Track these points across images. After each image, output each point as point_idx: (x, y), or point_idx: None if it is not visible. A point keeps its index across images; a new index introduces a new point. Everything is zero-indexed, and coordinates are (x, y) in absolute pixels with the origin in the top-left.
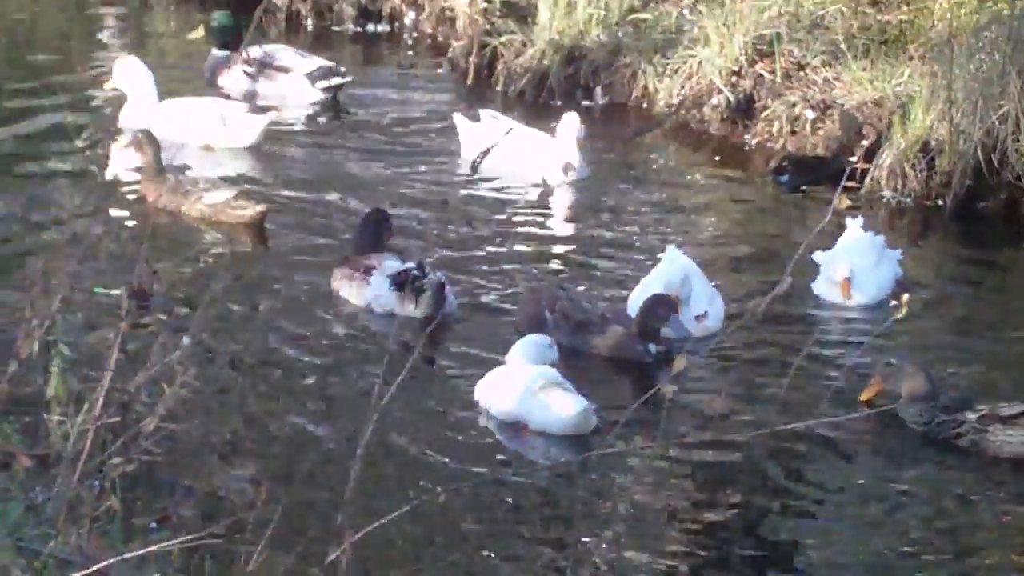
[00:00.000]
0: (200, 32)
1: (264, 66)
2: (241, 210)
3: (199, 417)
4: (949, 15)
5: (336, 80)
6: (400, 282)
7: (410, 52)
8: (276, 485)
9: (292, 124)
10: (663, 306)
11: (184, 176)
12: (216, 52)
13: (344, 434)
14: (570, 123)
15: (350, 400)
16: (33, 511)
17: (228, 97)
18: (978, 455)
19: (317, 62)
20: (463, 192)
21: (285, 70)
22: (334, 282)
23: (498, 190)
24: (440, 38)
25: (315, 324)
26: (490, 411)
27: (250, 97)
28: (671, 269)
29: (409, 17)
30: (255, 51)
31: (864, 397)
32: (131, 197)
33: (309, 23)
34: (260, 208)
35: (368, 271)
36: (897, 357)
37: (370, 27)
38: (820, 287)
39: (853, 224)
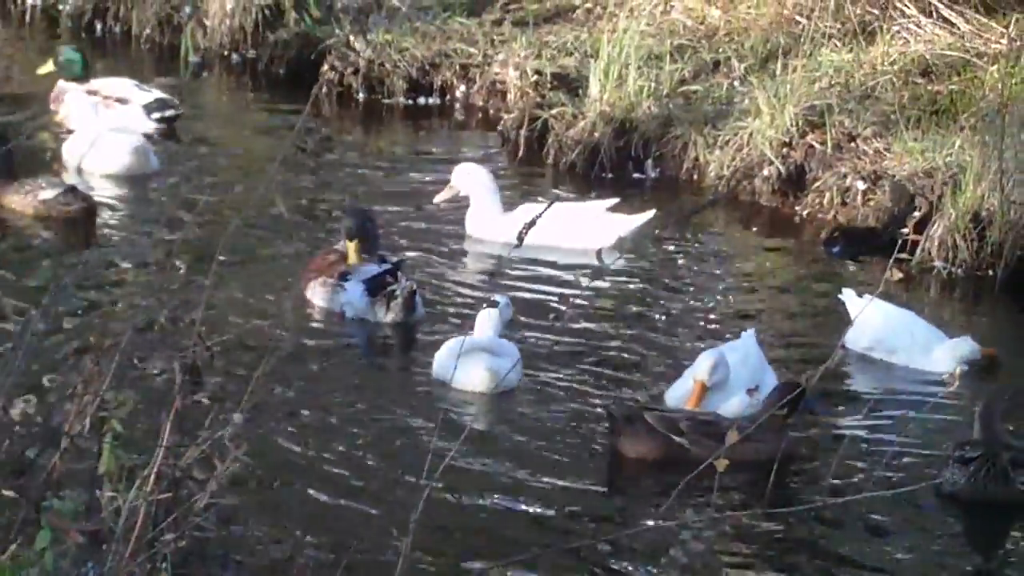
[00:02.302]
0: (50, 67)
1: (104, 97)
2: (68, 206)
3: (250, 492)
4: (1000, 85)
5: (170, 112)
6: (373, 288)
7: (460, 125)
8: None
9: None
10: (788, 393)
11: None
12: (61, 84)
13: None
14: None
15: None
16: None
17: (67, 127)
18: None
19: (155, 94)
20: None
21: (124, 101)
22: (307, 288)
23: (543, 264)
24: (491, 111)
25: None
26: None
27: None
28: (701, 357)
29: (460, 90)
30: (96, 83)
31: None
32: None
33: (360, 96)
34: (85, 205)
35: (344, 276)
36: None
37: (421, 100)
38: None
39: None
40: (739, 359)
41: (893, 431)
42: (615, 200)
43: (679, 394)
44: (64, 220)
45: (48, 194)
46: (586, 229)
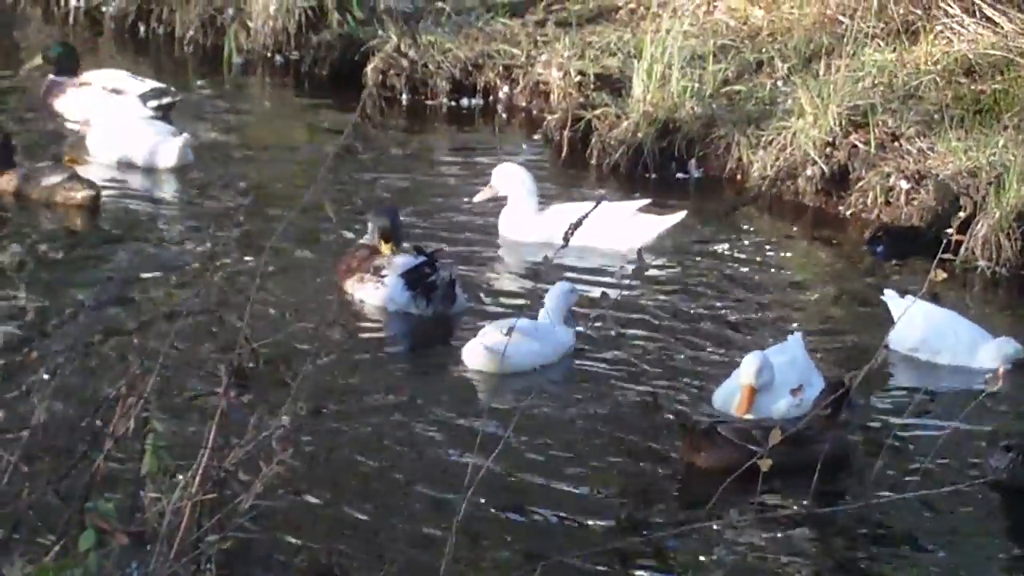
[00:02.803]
0: (37, 61)
1: (100, 88)
2: (73, 192)
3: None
4: None
5: (167, 99)
6: (412, 281)
7: (504, 126)
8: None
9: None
10: (833, 392)
11: (32, 164)
12: (53, 77)
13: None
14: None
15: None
16: None
17: (63, 119)
18: None
19: (149, 84)
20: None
21: (118, 92)
22: (346, 285)
23: (588, 265)
24: (534, 112)
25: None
26: None
27: (85, 118)
28: (747, 359)
29: (503, 91)
30: (89, 75)
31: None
32: None
33: (403, 98)
34: (91, 192)
35: (378, 271)
36: None
37: (464, 101)
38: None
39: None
40: (786, 361)
41: (938, 430)
42: (646, 201)
43: (726, 396)
44: (70, 207)
45: (52, 180)
46: (618, 230)
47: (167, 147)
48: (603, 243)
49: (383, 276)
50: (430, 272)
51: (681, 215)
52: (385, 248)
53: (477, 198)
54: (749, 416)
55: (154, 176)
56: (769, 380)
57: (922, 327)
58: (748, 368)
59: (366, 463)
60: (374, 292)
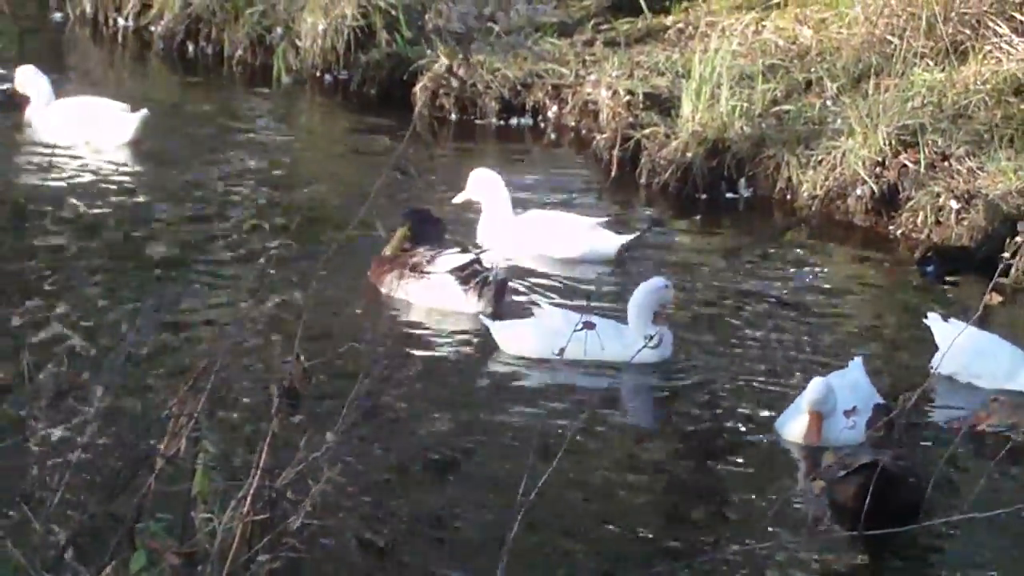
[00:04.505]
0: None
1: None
2: None
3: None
4: None
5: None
6: (465, 277)
7: (553, 146)
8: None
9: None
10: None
11: None
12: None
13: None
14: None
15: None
16: None
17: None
18: None
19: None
20: (606, 288)
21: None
22: (385, 286)
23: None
24: (583, 131)
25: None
26: None
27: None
28: (811, 386)
29: (552, 111)
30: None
31: (979, 427)
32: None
33: (452, 118)
34: None
35: (417, 268)
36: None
37: (513, 121)
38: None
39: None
40: (848, 386)
41: (982, 454)
42: (606, 217)
43: (792, 423)
44: None
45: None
46: (574, 242)
47: (124, 122)
48: (559, 254)
49: (428, 273)
50: (482, 269)
51: (637, 234)
52: (397, 236)
53: (456, 199)
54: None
55: (201, 190)
56: (833, 406)
57: (962, 350)
58: (813, 395)
59: (416, 480)
60: (421, 291)
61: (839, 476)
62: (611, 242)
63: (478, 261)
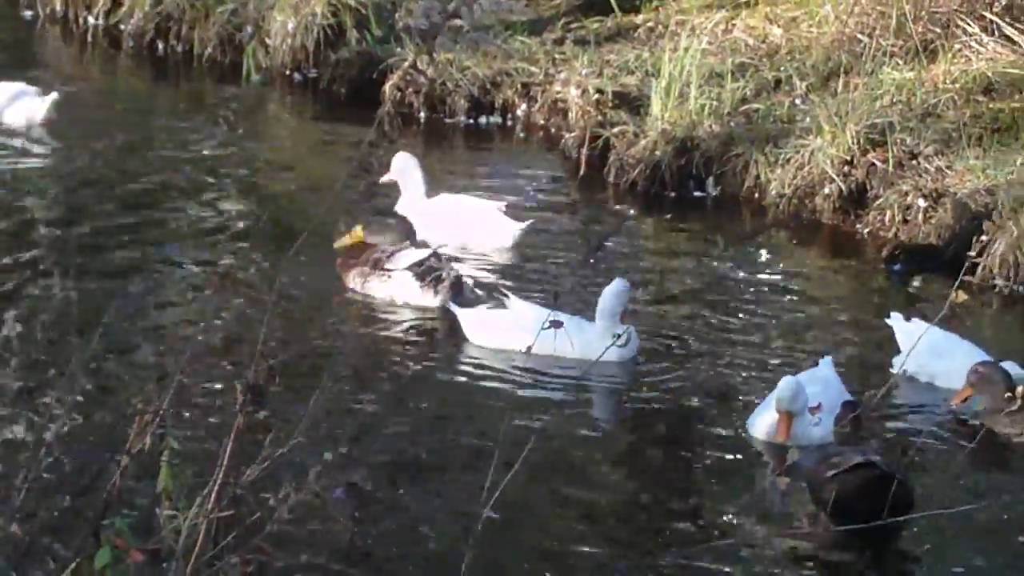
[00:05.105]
0: None
1: None
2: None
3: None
4: None
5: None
6: (421, 273)
7: (522, 144)
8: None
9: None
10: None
11: None
12: None
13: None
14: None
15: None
16: None
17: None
18: None
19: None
20: (571, 283)
21: None
22: (350, 281)
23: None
24: (552, 130)
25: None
26: None
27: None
28: (781, 384)
29: (521, 109)
30: None
31: (955, 401)
32: None
33: (421, 116)
34: None
35: (378, 265)
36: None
37: (482, 120)
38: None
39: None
40: (820, 387)
41: (945, 454)
42: (506, 202)
43: (761, 421)
44: None
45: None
46: (477, 227)
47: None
48: (462, 237)
49: (388, 270)
50: (437, 265)
51: (531, 221)
52: (357, 230)
53: (382, 179)
54: (789, 442)
55: (166, 188)
56: (804, 404)
57: (921, 350)
58: (784, 394)
59: (386, 481)
60: (380, 286)
61: (830, 475)
62: (509, 227)
63: (436, 256)
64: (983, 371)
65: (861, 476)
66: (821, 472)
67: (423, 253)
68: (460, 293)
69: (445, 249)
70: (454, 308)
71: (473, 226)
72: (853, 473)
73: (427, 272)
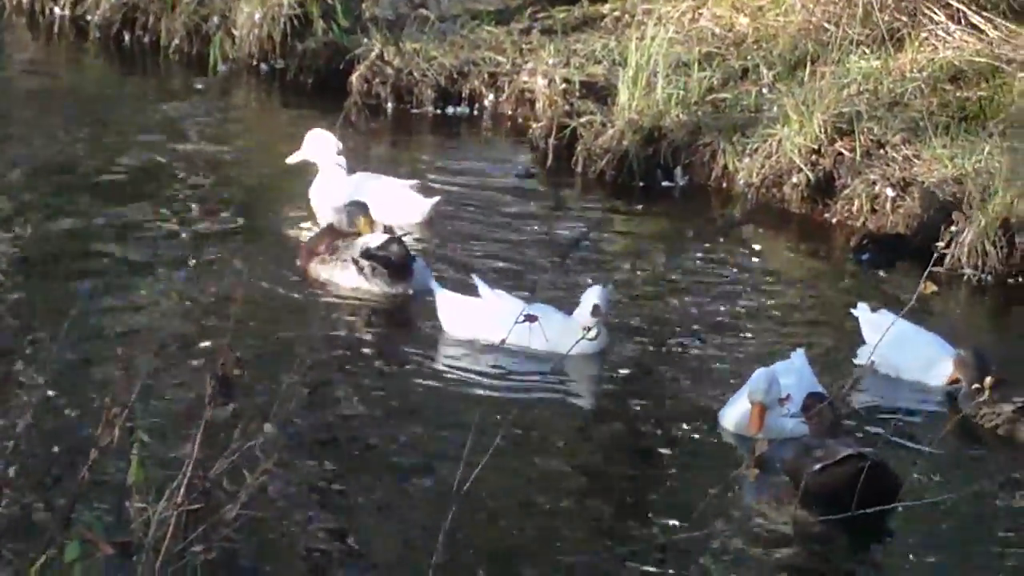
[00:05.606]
0: None
1: None
2: None
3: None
4: None
5: None
6: (368, 258)
7: (489, 134)
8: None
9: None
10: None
11: None
12: None
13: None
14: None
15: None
16: None
17: None
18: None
19: None
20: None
21: None
22: (310, 268)
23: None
24: (520, 120)
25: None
26: None
27: None
28: (755, 376)
29: (488, 99)
30: None
31: (945, 383)
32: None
33: (389, 106)
34: None
35: (335, 251)
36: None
37: (450, 110)
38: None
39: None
40: (793, 380)
41: (919, 444)
42: (415, 181)
43: (733, 412)
44: None
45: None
46: (387, 204)
47: None
48: (376, 215)
49: (341, 258)
50: (383, 249)
51: (439, 198)
52: (364, 223)
53: (290, 159)
54: (761, 434)
55: (135, 178)
56: (777, 396)
57: (884, 342)
58: (758, 385)
59: (353, 470)
60: (341, 274)
61: (818, 468)
62: (420, 204)
63: (393, 242)
64: (963, 356)
65: (852, 467)
66: (805, 464)
67: (378, 239)
68: (407, 277)
69: (406, 234)
70: (436, 289)
71: (384, 203)
72: (842, 465)
73: (368, 257)
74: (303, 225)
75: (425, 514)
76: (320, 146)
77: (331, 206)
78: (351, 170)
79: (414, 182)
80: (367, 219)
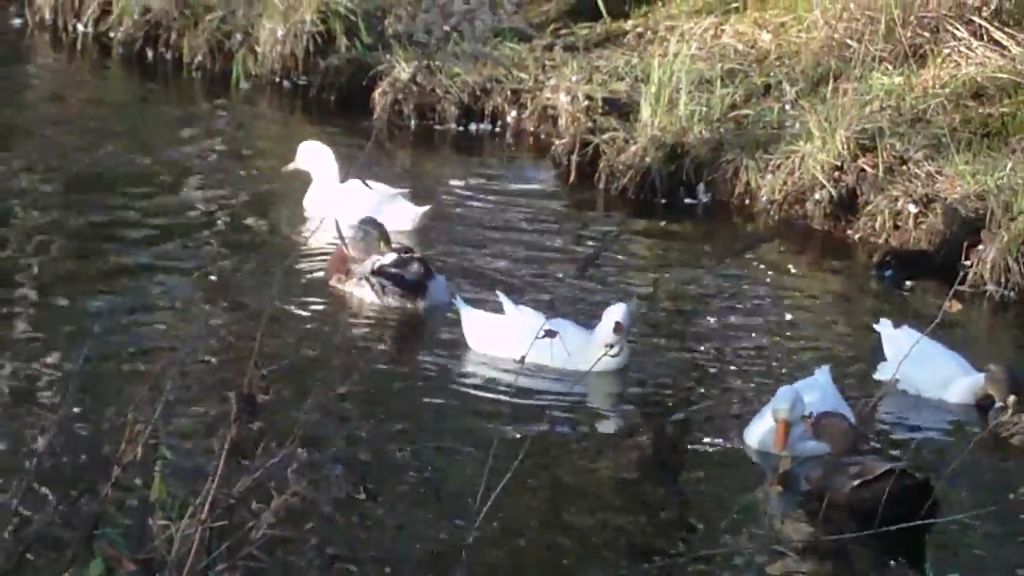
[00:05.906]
0: None
1: None
2: None
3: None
4: None
5: None
6: (380, 276)
7: (512, 151)
8: None
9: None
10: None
11: None
12: None
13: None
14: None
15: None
16: None
17: None
18: None
19: None
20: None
21: None
22: (343, 289)
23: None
24: (542, 136)
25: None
26: None
27: None
28: (779, 394)
29: (511, 116)
30: None
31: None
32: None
33: (412, 123)
34: None
35: (352, 270)
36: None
37: (472, 127)
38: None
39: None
40: (818, 397)
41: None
42: (407, 188)
43: (757, 430)
44: None
45: None
46: (384, 211)
47: None
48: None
49: (359, 275)
50: (398, 268)
51: (430, 206)
52: (382, 247)
53: (284, 168)
54: (786, 452)
55: (157, 194)
56: (800, 413)
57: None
58: (783, 403)
59: (377, 487)
60: (360, 290)
61: (857, 484)
62: (410, 212)
63: (412, 260)
64: (995, 371)
65: (895, 482)
66: (839, 482)
67: (389, 257)
68: (422, 293)
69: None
70: (460, 307)
71: (376, 210)
72: (882, 481)
73: (379, 275)
74: (326, 240)
75: (448, 532)
76: (313, 157)
77: (348, 224)
78: (343, 179)
79: (405, 189)
80: (383, 236)
